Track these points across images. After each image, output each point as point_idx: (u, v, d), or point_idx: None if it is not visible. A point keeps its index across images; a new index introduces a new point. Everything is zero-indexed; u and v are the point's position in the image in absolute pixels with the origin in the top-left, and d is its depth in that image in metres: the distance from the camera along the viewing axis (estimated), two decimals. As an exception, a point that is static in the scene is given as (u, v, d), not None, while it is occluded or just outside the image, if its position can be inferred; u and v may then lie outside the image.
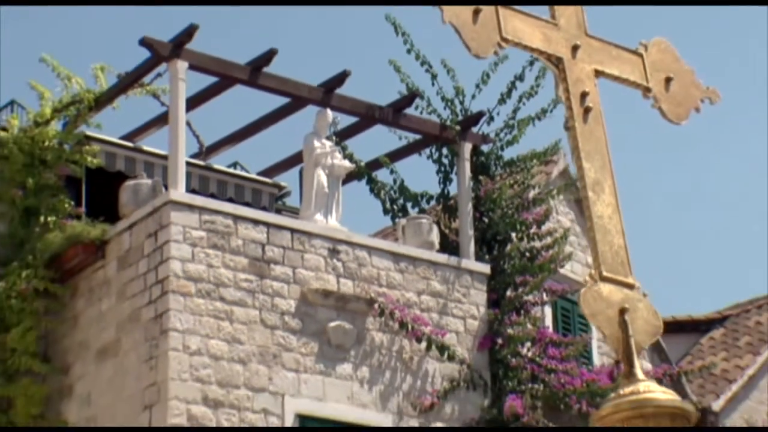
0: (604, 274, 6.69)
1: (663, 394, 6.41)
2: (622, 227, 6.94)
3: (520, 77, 27.60)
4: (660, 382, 27.75)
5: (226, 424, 23.52)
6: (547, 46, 7.05)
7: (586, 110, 6.97)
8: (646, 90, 7.28)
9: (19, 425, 24.99)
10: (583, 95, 6.88)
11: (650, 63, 7.36)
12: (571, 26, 7.30)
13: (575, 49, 7.03)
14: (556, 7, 7.37)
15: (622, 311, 6.54)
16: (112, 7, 61.93)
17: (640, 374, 6.46)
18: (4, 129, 25.95)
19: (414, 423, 25.39)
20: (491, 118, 27.81)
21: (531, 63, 27.73)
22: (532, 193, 27.95)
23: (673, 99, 7.30)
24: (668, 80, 7.26)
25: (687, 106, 7.43)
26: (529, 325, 27.08)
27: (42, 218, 25.72)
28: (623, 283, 6.70)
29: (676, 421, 6.46)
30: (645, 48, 7.37)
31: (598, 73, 7.12)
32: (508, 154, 28.26)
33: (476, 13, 6.86)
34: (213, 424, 23.29)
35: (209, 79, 26.08)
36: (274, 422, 23.89)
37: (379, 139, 28.50)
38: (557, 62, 7.07)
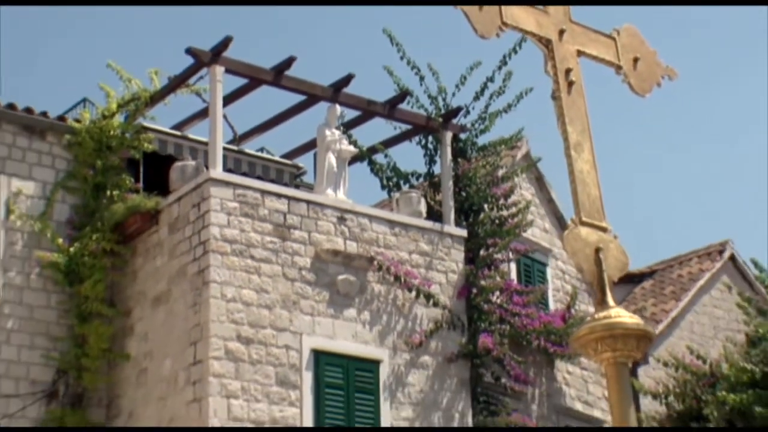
0: (583, 219, 6.86)
1: (630, 318, 6.60)
2: (597, 181, 7.06)
3: (491, 79, 27.89)
4: None
5: (255, 357, 23.41)
6: (539, 30, 7.20)
7: (570, 84, 7.16)
8: (618, 68, 7.52)
9: (92, 356, 24.74)
10: (568, 71, 7.09)
11: (621, 45, 7.56)
12: (558, 14, 7.41)
13: (562, 32, 7.21)
14: None
15: (597, 250, 6.71)
16: (163, 20, 62.58)
17: (611, 302, 6.63)
18: (78, 121, 26.02)
19: (406, 356, 25.40)
20: (467, 112, 28.07)
21: (500, 67, 28.14)
22: (500, 172, 28.18)
23: (640, 76, 7.52)
24: (636, 60, 7.47)
25: (651, 81, 7.66)
26: (497, 278, 27.44)
27: (108, 192, 25.90)
28: (598, 226, 6.87)
29: (641, 341, 6.66)
30: (617, 33, 7.59)
31: (580, 53, 7.30)
32: (481, 140, 28.44)
33: (481, 8, 6.96)
34: (245, 358, 23.28)
35: (241, 81, 26.19)
36: (293, 356, 23.90)
37: (377, 129, 28.45)
38: (547, 43, 7.24)
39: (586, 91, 7.27)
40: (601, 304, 6.64)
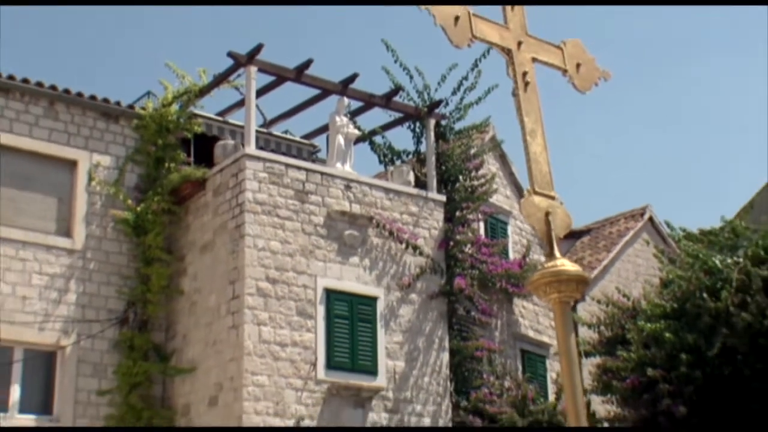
0: (536, 189, 6.92)
1: (572, 267, 6.67)
2: (548, 160, 7.08)
3: (465, 78, 28.21)
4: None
5: (280, 294, 23.64)
6: (501, 41, 7.24)
7: (526, 84, 7.19)
8: (564, 71, 7.61)
9: (154, 291, 25.25)
10: (524, 74, 7.14)
11: (567, 54, 7.62)
12: (517, 28, 7.40)
13: (520, 44, 7.24)
14: (507, 15, 7.53)
15: (547, 213, 6.80)
16: (209, 27, 62.73)
17: (557, 254, 6.68)
18: (144, 109, 26.27)
19: (397, 294, 25.62)
20: (447, 104, 28.39)
21: (472, 69, 28.41)
22: (472, 151, 28.51)
23: (581, 77, 7.59)
24: (578, 65, 7.55)
25: (590, 81, 7.71)
26: (469, 234, 27.82)
27: (166, 164, 26.13)
28: (548, 195, 6.89)
29: (580, 284, 6.75)
30: (564, 44, 7.69)
31: (534, 60, 7.34)
32: (458, 126, 28.76)
33: (456, 18, 6.93)
34: (272, 295, 23.51)
35: (270, 78, 26.31)
36: (310, 293, 24.11)
37: (376, 117, 28.50)
38: (508, 52, 7.27)
39: (539, 89, 7.33)
40: (550, 256, 6.78)
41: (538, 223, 6.84)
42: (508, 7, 7.41)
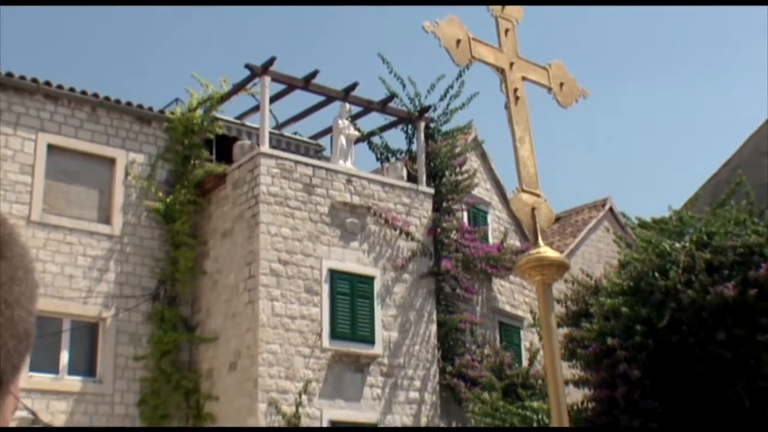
0: (524, 188, 6.94)
1: (553, 253, 6.75)
2: (534, 163, 7.08)
3: (451, 87, 28.41)
4: (524, 251, 29.68)
5: (290, 274, 23.90)
6: (496, 62, 7.23)
7: (517, 98, 7.18)
8: (549, 89, 7.59)
9: (181, 271, 25.28)
10: (515, 90, 7.15)
11: (552, 74, 7.60)
12: (510, 51, 7.36)
13: (512, 64, 7.24)
14: (501, 39, 7.44)
15: (533, 209, 6.82)
16: (228, 42, 63.43)
17: (541, 243, 6.67)
18: (172, 113, 26.37)
19: (392, 274, 25.72)
20: (435, 109, 28.53)
21: (457, 79, 28.45)
22: (457, 150, 28.62)
23: (564, 94, 7.56)
24: (561, 84, 7.53)
25: (571, 98, 7.66)
26: (454, 222, 27.85)
27: (192, 161, 26.24)
28: (534, 193, 6.93)
29: (560, 268, 6.81)
30: (549, 65, 7.68)
31: (524, 78, 7.33)
32: (444, 128, 28.85)
33: (458, 42, 6.95)
34: (284, 276, 23.77)
35: (281, 86, 26.36)
36: (316, 273, 24.28)
37: (374, 120, 28.87)
38: (501, 71, 7.28)
39: (527, 103, 7.39)
40: (535, 244, 6.80)
41: (525, 217, 6.98)
42: (502, 31, 7.42)
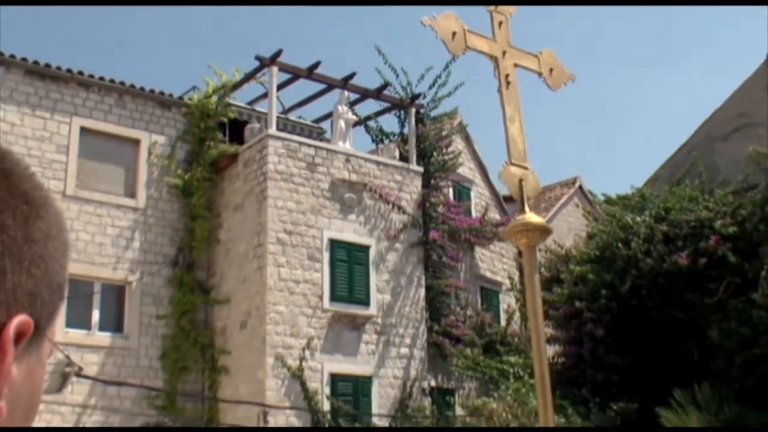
0: (512, 161, 6.81)
1: (537, 218, 6.62)
2: (523, 140, 6.93)
3: (439, 77, 28.37)
4: (503, 224, 29.91)
5: (294, 243, 24.01)
6: (489, 51, 7.11)
7: (508, 83, 7.07)
8: (540, 74, 7.47)
9: (198, 240, 25.31)
10: (507, 76, 7.05)
11: (542, 61, 7.48)
12: (503, 41, 7.24)
13: (504, 53, 7.15)
14: (495, 30, 7.31)
15: (521, 180, 6.72)
16: (240, 35, 64.26)
17: (527, 210, 6.55)
18: (190, 99, 26.64)
19: (385, 244, 25.78)
20: (424, 96, 28.54)
21: (444, 69, 28.42)
22: (444, 133, 28.84)
23: (553, 78, 7.45)
24: (551, 70, 7.44)
25: (560, 82, 7.53)
26: (441, 197, 28.01)
27: (207, 143, 26.24)
28: (522, 166, 6.83)
29: (543, 232, 6.70)
30: (540, 53, 7.55)
31: (516, 65, 7.23)
32: (433, 114, 28.95)
33: (454, 33, 6.83)
34: (289, 244, 23.82)
35: (287, 75, 26.39)
36: (317, 242, 24.34)
37: (370, 106, 28.89)
38: (495, 59, 7.15)
39: (518, 87, 7.21)
40: (521, 211, 6.70)
41: (513, 187, 6.84)
42: (496, 23, 7.35)
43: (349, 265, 25.30)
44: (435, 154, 28.66)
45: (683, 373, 22.00)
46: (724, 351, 21.30)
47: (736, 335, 21.09)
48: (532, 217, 6.49)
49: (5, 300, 0.90)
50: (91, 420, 22.55)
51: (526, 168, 6.81)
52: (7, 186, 0.94)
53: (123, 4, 47.87)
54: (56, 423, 22.04)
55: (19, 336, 0.90)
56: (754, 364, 20.81)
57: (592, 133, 77.65)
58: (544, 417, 5.66)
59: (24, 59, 23.79)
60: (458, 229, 28.36)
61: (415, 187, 27.33)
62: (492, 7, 7.19)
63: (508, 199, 30.27)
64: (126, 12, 63.81)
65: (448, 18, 6.78)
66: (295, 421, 23.14)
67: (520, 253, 30.48)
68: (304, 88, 28.02)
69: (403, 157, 27.79)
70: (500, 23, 7.25)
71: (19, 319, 0.90)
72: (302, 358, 23.57)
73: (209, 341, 24.98)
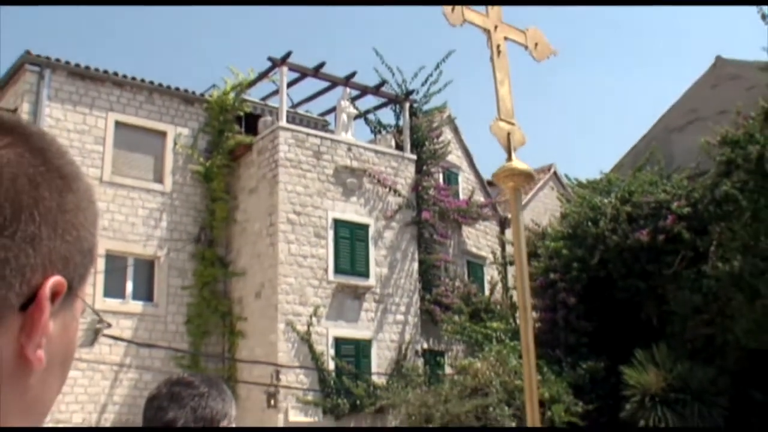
0: (501, 117, 6.79)
1: (522, 165, 6.54)
2: (511, 100, 6.93)
3: (430, 75, 28.49)
4: (487, 206, 30.22)
5: (303, 222, 24.10)
6: (483, 24, 7.04)
7: (499, 52, 7.03)
8: (526, 47, 7.36)
9: (218, 220, 25.31)
10: (498, 46, 6.99)
11: (528, 36, 7.40)
12: (495, 17, 7.19)
13: (496, 27, 7.10)
14: (489, 9, 7.27)
15: (509, 133, 6.67)
16: (256, 38, 65.27)
17: (514, 158, 6.48)
18: (210, 96, 26.69)
19: (383, 223, 25.81)
20: (417, 93, 28.57)
21: (435, 69, 28.43)
22: (434, 125, 28.96)
23: (538, 52, 7.36)
24: (536, 44, 7.35)
25: (544, 54, 7.44)
26: (432, 182, 28.05)
27: (225, 134, 26.22)
28: (509, 122, 6.78)
29: (527, 177, 6.69)
30: (527, 30, 7.46)
31: (506, 38, 7.17)
32: (425, 107, 28.85)
33: (453, 8, 6.82)
34: (297, 223, 23.91)
35: (296, 74, 26.46)
36: (323, 222, 24.46)
37: (369, 101, 29.01)
38: (488, 31, 7.11)
39: (507, 56, 7.19)
40: (509, 159, 6.64)
41: (502, 140, 6.72)
42: (490, 6, 7.34)
43: (350, 242, 25.30)
44: (427, 143, 28.65)
45: (643, 335, 22.39)
46: (678, 316, 21.66)
47: (688, 302, 21.40)
48: (518, 164, 6.44)
49: (42, 263, 0.91)
50: (127, 377, 22.82)
51: (513, 124, 6.75)
52: (43, 162, 0.94)
53: (151, 4, 48.43)
54: (97, 379, 22.24)
55: (54, 295, 0.91)
56: (704, 327, 21.16)
57: (567, 125, 79.35)
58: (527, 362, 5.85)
59: (67, 62, 23.90)
60: (447, 209, 28.34)
61: (409, 172, 27.31)
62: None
63: (492, 183, 30.37)
64: (156, 19, 65.43)
65: (449, -4, 6.63)
66: (303, 379, 23.13)
67: (501, 231, 31.33)
68: (310, 85, 28.04)
69: (399, 146, 27.78)
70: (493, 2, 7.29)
71: (54, 280, 0.91)
72: (310, 324, 23.69)
73: (228, 309, 25.00)
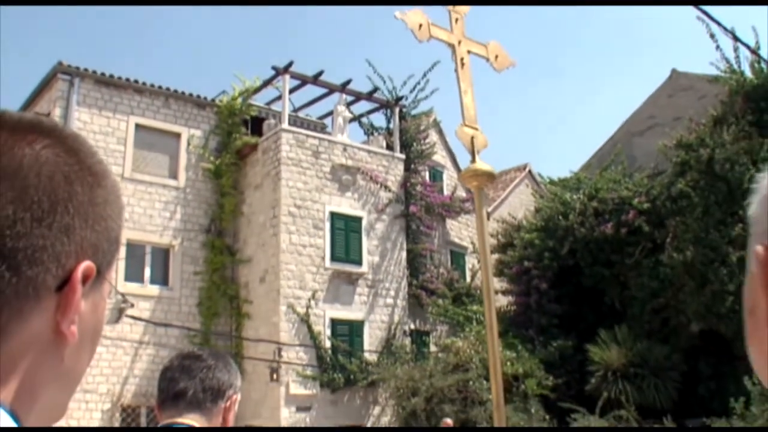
0: (466, 123, 6.58)
1: (485, 166, 6.37)
2: (474, 107, 6.76)
3: (418, 83, 28.39)
4: (469, 200, 29.83)
5: (302, 215, 24.04)
6: (448, 39, 6.92)
7: (463, 65, 6.90)
8: (487, 59, 7.19)
9: (227, 213, 25.13)
10: (462, 59, 6.89)
11: (489, 49, 7.23)
12: (458, 33, 7.05)
13: (460, 42, 7.01)
14: (452, 25, 7.10)
15: (472, 137, 6.48)
16: (261, 49, 66.08)
17: (477, 160, 6.37)
18: (220, 101, 26.60)
19: (374, 215, 25.60)
20: (406, 98, 28.43)
21: (423, 77, 28.35)
22: (422, 128, 28.82)
23: (498, 63, 7.20)
24: (497, 56, 7.21)
25: (503, 66, 7.26)
26: (419, 179, 27.85)
27: (233, 135, 26.14)
28: (473, 127, 6.56)
29: (489, 177, 6.44)
30: (488, 43, 7.26)
31: (469, 51, 7.05)
32: (413, 112, 28.88)
33: (420, 25, 6.72)
34: (298, 216, 23.89)
35: (297, 82, 26.32)
36: (321, 215, 24.35)
37: (362, 106, 28.71)
38: (452, 46, 6.94)
39: (470, 68, 7.02)
40: (473, 161, 6.43)
41: (467, 143, 6.61)
42: (453, 20, 7.23)
43: (345, 233, 25.22)
44: (414, 144, 28.62)
45: (607, 317, 22.81)
46: (638, 300, 22.06)
47: (647, 288, 21.76)
48: (481, 165, 6.42)
49: (75, 250, 0.92)
50: (146, 353, 22.94)
51: (476, 129, 6.71)
52: (77, 162, 0.95)
53: (162, 3, 48.98)
54: (119, 354, 22.38)
55: (85, 278, 0.92)
56: (660, 310, 21.58)
57: (541, 128, 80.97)
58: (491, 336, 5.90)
59: (94, 72, 24.01)
60: (433, 204, 28.26)
61: (398, 170, 27.23)
62: (450, 7, 7.27)
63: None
64: (173, 32, 66.74)
65: (416, 13, 6.93)
66: (303, 356, 23.08)
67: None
68: (310, 91, 27.93)
69: (389, 147, 27.68)
70: (456, 19, 7.27)
71: (85, 265, 0.92)
72: (308, 306, 23.66)
73: (235, 293, 24.98)
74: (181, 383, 2.68)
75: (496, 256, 25.58)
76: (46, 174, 0.91)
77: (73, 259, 0.92)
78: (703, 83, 23.22)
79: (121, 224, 1.01)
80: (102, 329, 1.01)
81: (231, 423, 2.75)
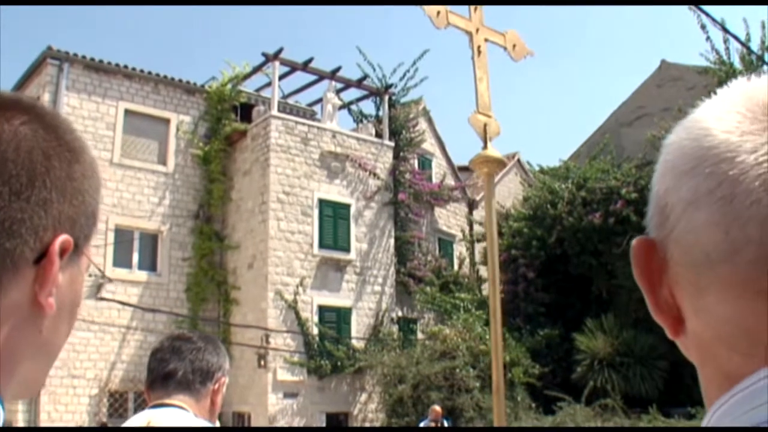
0: (480, 110, 6.61)
1: (496, 153, 6.36)
2: (489, 95, 6.81)
3: (408, 71, 28.46)
4: (457, 189, 29.96)
5: (291, 202, 23.96)
6: (466, 27, 6.94)
7: (480, 53, 6.86)
8: (505, 48, 7.21)
9: (215, 198, 25.14)
10: (479, 47, 6.89)
11: (507, 38, 7.25)
12: (477, 21, 7.03)
13: (478, 30, 7.02)
14: (471, 13, 7.07)
15: (485, 124, 6.51)
16: (251, 34, 66.21)
17: (489, 147, 6.37)
18: (210, 87, 26.52)
19: (363, 203, 25.68)
20: (395, 86, 28.19)
21: (412, 65, 28.37)
22: (411, 116, 28.68)
23: (516, 52, 7.21)
24: (514, 45, 7.21)
25: (521, 55, 7.25)
26: (408, 166, 27.81)
27: (223, 121, 26.05)
28: (486, 114, 6.61)
29: (499, 164, 6.54)
30: (506, 32, 7.28)
31: (486, 40, 7.07)
32: (402, 100, 28.57)
33: (437, 13, 6.68)
34: (286, 202, 23.78)
35: (287, 68, 25.95)
36: (309, 201, 24.34)
37: (352, 93, 28.81)
38: (470, 33, 6.96)
39: (487, 56, 7.04)
40: (485, 148, 6.44)
41: (479, 130, 6.60)
42: (472, 7, 7.28)
43: (334, 220, 25.26)
44: (404, 132, 28.64)
45: (594, 306, 23.08)
46: (625, 289, 22.10)
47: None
48: (492, 152, 6.46)
49: (52, 224, 0.93)
50: (134, 338, 22.94)
51: (489, 116, 6.75)
52: (55, 138, 0.96)
53: (157, 4, 49.10)
54: (107, 340, 22.38)
55: (62, 251, 0.93)
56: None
57: (531, 117, 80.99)
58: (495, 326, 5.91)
59: (83, 56, 23.90)
60: (421, 192, 28.32)
61: (387, 158, 27.28)
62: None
63: (462, 168, 30.02)
64: (163, 17, 66.76)
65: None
66: (290, 342, 23.15)
67: (470, 211, 31.82)
68: (300, 78, 27.90)
69: (378, 135, 27.69)
70: (475, 8, 7.34)
71: (62, 238, 0.93)
72: (296, 293, 23.68)
73: (223, 279, 25.02)
74: (171, 364, 2.71)
75: (483, 244, 25.56)
76: (24, 149, 0.92)
77: (50, 232, 0.93)
78: (692, 74, 23.28)
79: (98, 199, 1.02)
80: (80, 302, 1.02)
81: (219, 405, 2.79)
